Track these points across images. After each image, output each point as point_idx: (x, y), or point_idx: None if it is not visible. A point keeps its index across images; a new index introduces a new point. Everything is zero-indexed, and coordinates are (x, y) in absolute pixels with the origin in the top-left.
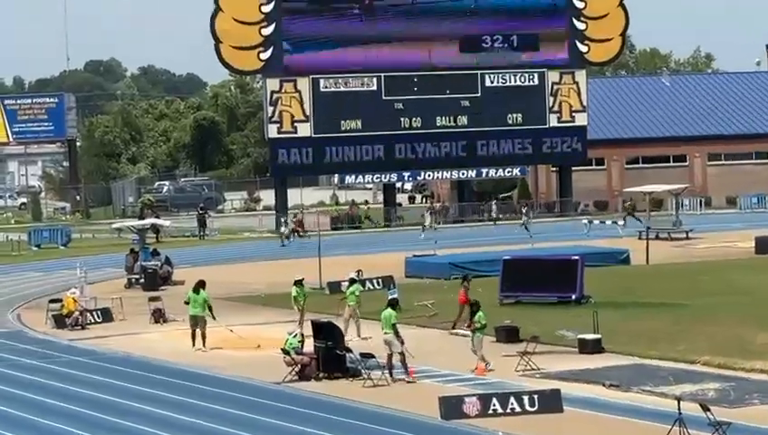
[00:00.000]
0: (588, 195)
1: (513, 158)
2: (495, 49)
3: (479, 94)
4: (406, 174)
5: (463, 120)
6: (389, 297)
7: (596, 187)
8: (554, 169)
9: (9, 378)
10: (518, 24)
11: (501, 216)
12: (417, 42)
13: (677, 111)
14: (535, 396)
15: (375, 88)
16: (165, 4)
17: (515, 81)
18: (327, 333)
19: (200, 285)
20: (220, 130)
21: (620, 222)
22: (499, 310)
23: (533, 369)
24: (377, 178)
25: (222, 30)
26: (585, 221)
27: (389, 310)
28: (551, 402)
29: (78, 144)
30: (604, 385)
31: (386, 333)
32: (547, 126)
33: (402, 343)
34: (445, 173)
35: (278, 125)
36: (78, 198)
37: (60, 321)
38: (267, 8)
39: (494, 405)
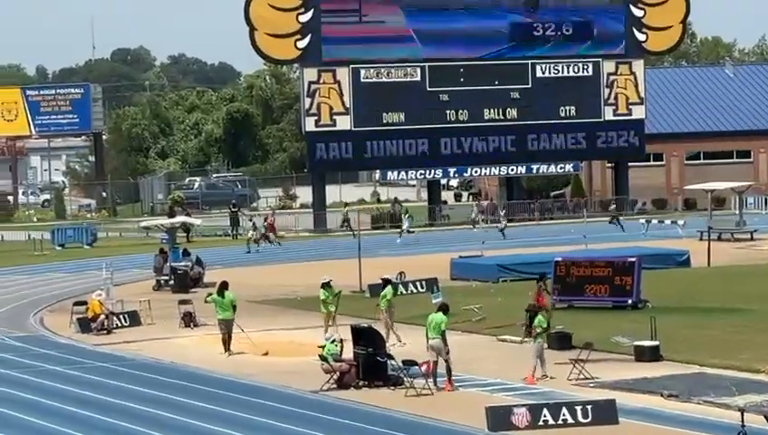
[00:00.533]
0: (645, 192)
1: (565, 153)
2: (548, 37)
3: (530, 85)
4: (451, 170)
5: (512, 112)
6: (434, 301)
7: (654, 184)
8: (609, 164)
9: (31, 385)
10: (572, 10)
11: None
12: (465, 29)
13: (741, 103)
14: (589, 407)
15: (419, 78)
16: None
17: (568, 71)
18: (367, 339)
19: (224, 286)
20: (254, 123)
21: (680, 222)
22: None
23: (587, 378)
24: (420, 174)
25: (257, 16)
26: (642, 221)
27: (440, 314)
28: (605, 414)
29: (104, 137)
30: (662, 395)
31: (433, 338)
32: (602, 119)
33: (447, 352)
34: (493, 169)
35: (316, 118)
36: (104, 194)
37: (85, 325)
38: None
39: (545, 416)
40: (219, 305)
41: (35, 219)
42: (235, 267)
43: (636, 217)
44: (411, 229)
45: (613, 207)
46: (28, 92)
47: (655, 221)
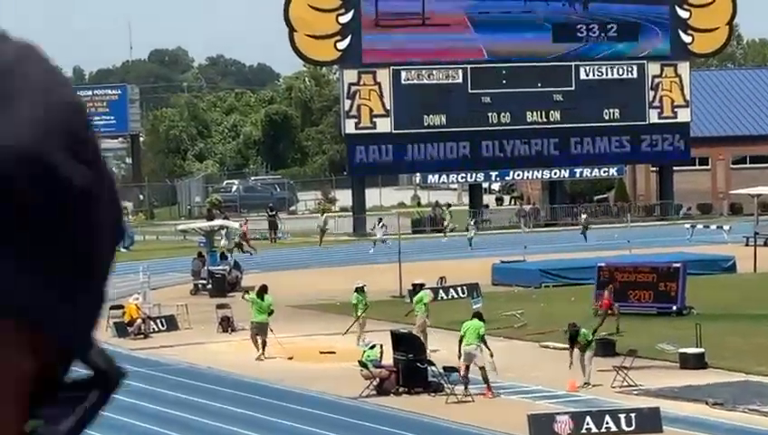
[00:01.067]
0: (690, 197)
1: (609, 156)
2: (592, 39)
3: (573, 88)
4: (493, 173)
5: (555, 115)
6: (474, 307)
7: (699, 188)
8: (654, 168)
9: None
10: (616, 11)
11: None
12: (507, 30)
13: None
14: (632, 415)
15: (461, 80)
16: None
17: (613, 73)
18: (407, 345)
19: (264, 289)
20: (293, 126)
21: (726, 227)
22: (594, 321)
23: (631, 385)
24: (462, 177)
25: (296, 17)
26: (687, 226)
27: (477, 321)
28: (649, 422)
29: (141, 139)
30: (707, 403)
31: (468, 344)
32: (647, 122)
33: (491, 355)
34: (535, 173)
35: (356, 120)
36: (141, 197)
37: (121, 329)
38: None
39: (588, 424)
40: (256, 308)
41: None
42: (273, 271)
43: (681, 221)
44: (385, 239)
45: (584, 217)
46: None
47: (700, 226)
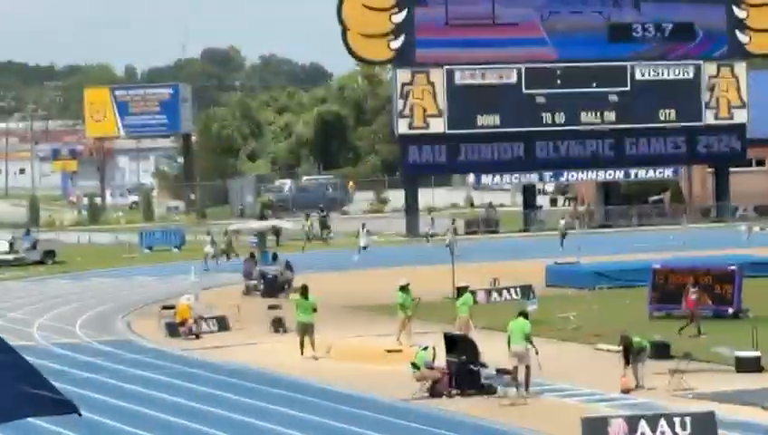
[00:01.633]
0: (747, 198)
1: (664, 158)
2: (647, 39)
3: (628, 88)
4: (547, 174)
5: (610, 116)
6: (529, 308)
7: (756, 190)
8: (710, 169)
9: (118, 390)
10: (672, 11)
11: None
12: (561, 30)
13: None
14: (687, 419)
15: (514, 80)
16: None
17: (668, 74)
18: (461, 347)
19: (306, 289)
20: (346, 125)
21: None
22: (648, 324)
23: (686, 389)
24: (515, 178)
25: (349, 16)
26: (744, 227)
27: (522, 320)
28: (704, 426)
29: (193, 139)
30: (764, 408)
31: (516, 344)
32: (703, 123)
33: (537, 353)
34: (590, 173)
35: (409, 120)
36: (193, 196)
37: (173, 329)
38: None
39: (642, 428)
40: (301, 308)
41: (123, 221)
42: (325, 272)
43: (737, 223)
44: (366, 245)
45: (563, 222)
46: (117, 93)
47: (757, 228)
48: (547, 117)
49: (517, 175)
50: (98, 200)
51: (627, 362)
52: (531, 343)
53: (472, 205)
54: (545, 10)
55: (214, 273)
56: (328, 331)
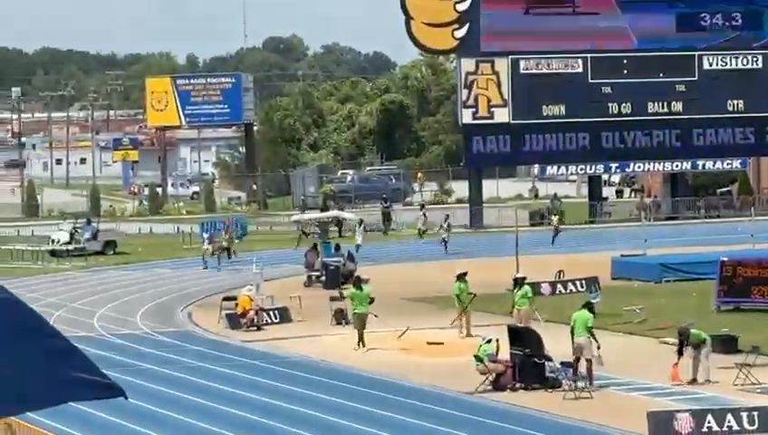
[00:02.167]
0: None
1: (732, 148)
2: (715, 28)
3: (696, 78)
4: (613, 165)
5: (677, 106)
6: (593, 301)
7: None
8: None
9: (178, 382)
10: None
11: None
12: (629, 18)
13: None
14: (755, 413)
15: (580, 70)
16: None
17: (737, 63)
18: (525, 340)
19: (359, 280)
20: (409, 115)
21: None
22: (716, 317)
23: (753, 383)
24: (581, 169)
25: (413, 5)
26: None
27: (585, 312)
28: None
29: (255, 129)
30: None
31: (579, 336)
32: None
33: (599, 347)
34: (656, 165)
35: (473, 110)
36: (254, 187)
37: (234, 320)
38: None
39: (709, 422)
40: (357, 299)
41: (184, 212)
42: (388, 264)
43: None
44: (359, 244)
45: (555, 218)
46: (178, 82)
47: None
48: (613, 107)
49: (582, 166)
50: (159, 190)
51: (680, 354)
52: (593, 335)
53: (536, 196)
54: None
55: (213, 271)
56: (388, 322)
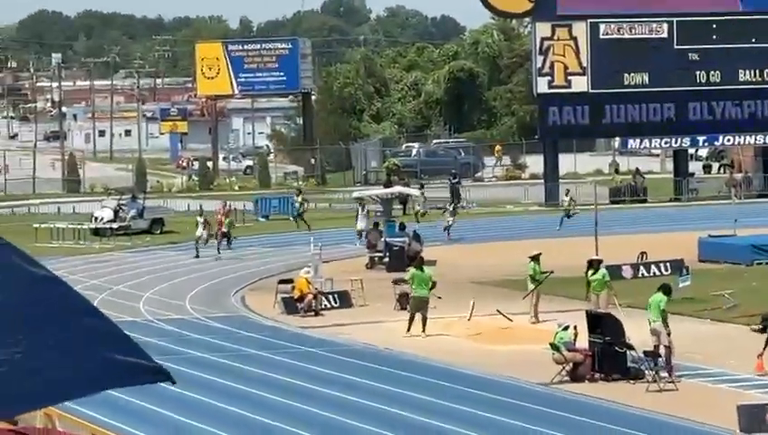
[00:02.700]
0: None
1: None
2: None
3: None
4: (701, 138)
5: None
6: (681, 285)
7: None
8: None
9: (230, 370)
10: None
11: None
12: None
13: None
14: None
15: (666, 35)
16: None
17: None
18: (605, 327)
19: (422, 261)
20: (479, 84)
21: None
22: None
23: None
24: (665, 142)
25: None
26: None
27: (659, 294)
28: None
29: (313, 98)
30: None
31: (654, 321)
32: None
33: (669, 334)
34: (747, 138)
35: (549, 78)
36: (312, 161)
37: (290, 305)
38: None
39: None
40: (418, 281)
41: (237, 187)
42: (456, 244)
43: None
44: (361, 231)
45: (568, 198)
46: (230, 47)
47: None
48: (701, 75)
49: (667, 139)
50: (209, 164)
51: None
52: (665, 320)
53: (617, 171)
54: None
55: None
56: (450, 307)
